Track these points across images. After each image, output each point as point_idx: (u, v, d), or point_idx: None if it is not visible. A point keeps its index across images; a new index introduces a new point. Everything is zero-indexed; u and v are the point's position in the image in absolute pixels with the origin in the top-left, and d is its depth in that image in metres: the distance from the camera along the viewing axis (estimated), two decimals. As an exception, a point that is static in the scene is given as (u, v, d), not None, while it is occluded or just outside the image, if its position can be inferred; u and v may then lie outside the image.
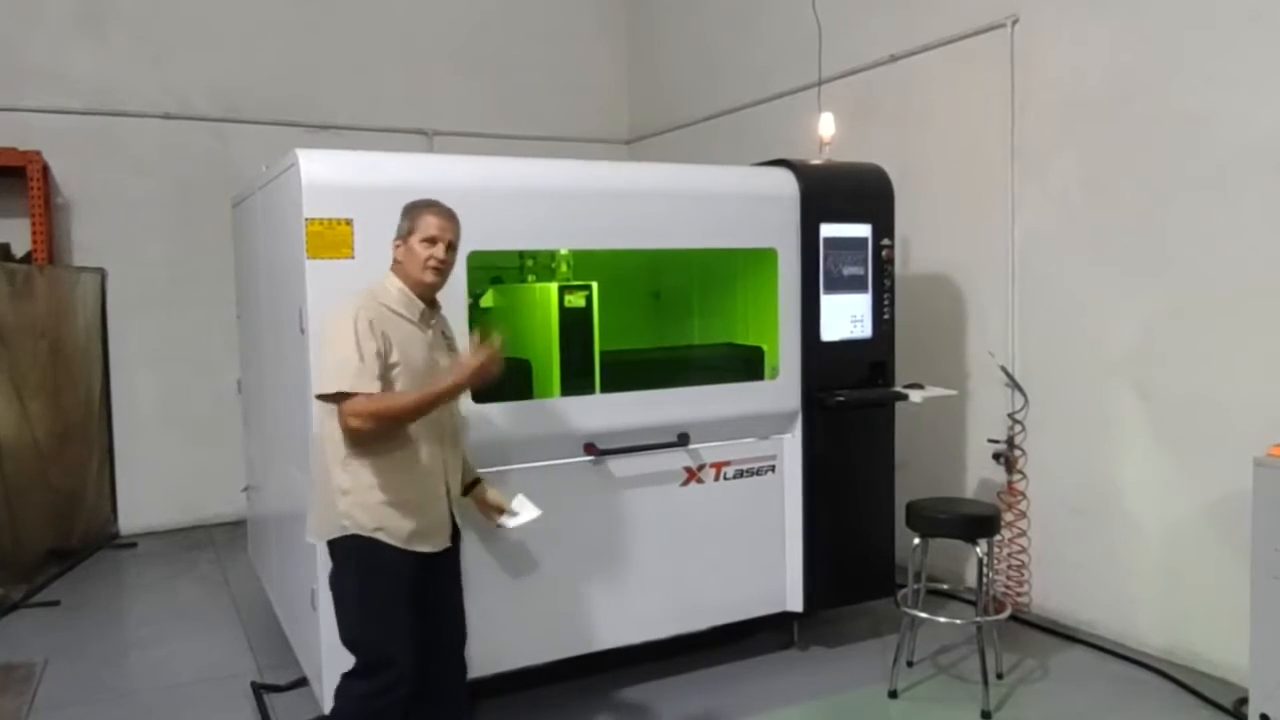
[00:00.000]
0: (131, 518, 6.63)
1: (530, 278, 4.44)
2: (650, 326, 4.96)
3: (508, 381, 3.88)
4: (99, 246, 6.52)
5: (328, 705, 3.28)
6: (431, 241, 2.88)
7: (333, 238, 3.25)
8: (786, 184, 4.19)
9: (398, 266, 2.93)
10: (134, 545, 6.35)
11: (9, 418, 5.30)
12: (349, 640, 2.89)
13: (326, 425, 2.84)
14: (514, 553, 3.66)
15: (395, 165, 3.46)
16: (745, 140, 6.64)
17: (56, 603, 5.22)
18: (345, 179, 3.32)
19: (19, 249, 6.01)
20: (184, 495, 6.77)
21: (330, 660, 3.30)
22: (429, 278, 2.90)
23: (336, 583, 2.90)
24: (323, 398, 2.78)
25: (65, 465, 5.87)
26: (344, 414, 2.74)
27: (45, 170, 6.12)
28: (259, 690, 3.99)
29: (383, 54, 7.45)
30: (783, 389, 4.19)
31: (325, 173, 3.29)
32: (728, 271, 4.57)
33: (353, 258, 3.28)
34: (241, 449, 5.50)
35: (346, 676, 2.90)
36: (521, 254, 4.43)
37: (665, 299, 5.09)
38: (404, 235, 2.91)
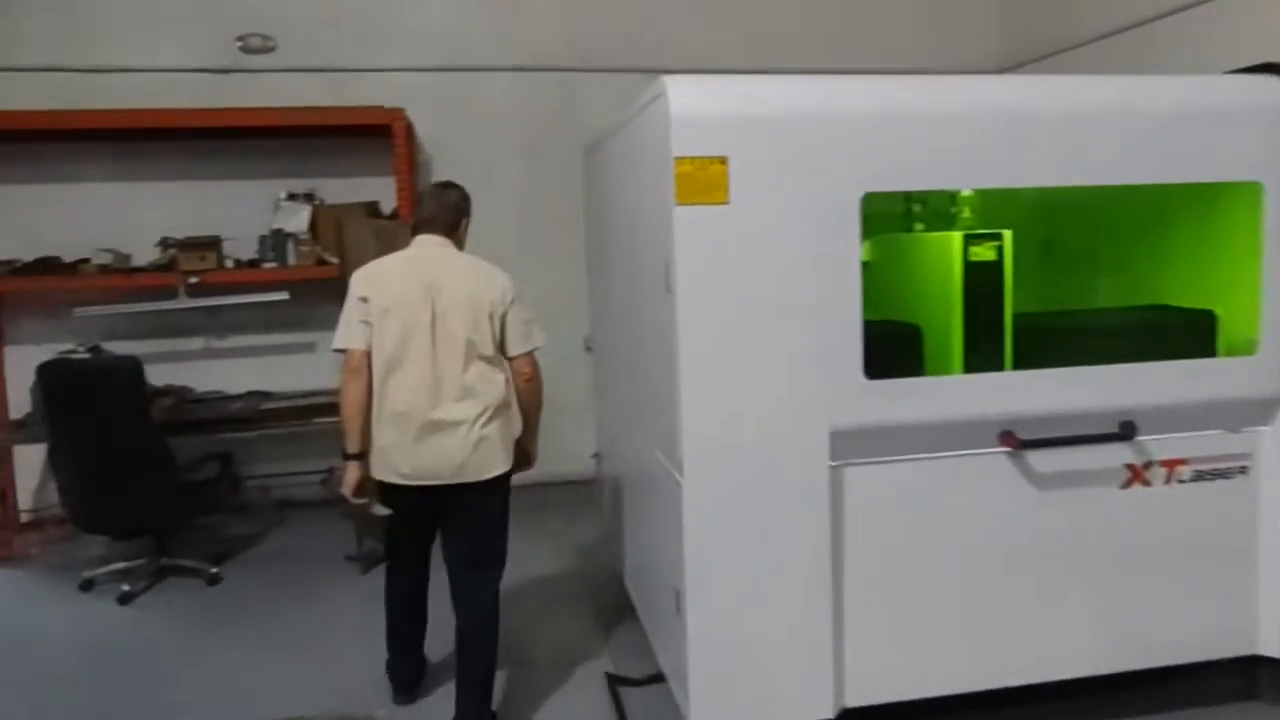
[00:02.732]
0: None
1: (918, 226, 3.72)
2: (1041, 284, 4.06)
3: (891, 351, 3.24)
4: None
5: (688, 707, 2.89)
6: None
7: (705, 180, 2.75)
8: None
9: (458, 239, 3.52)
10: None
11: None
12: (502, 553, 3.49)
13: (499, 374, 3.34)
14: (908, 563, 3.02)
15: (778, 92, 2.88)
16: (1160, 61, 5.40)
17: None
18: (720, 110, 2.80)
19: (386, 207, 6.20)
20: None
21: (698, 666, 2.89)
22: None
23: (502, 510, 3.44)
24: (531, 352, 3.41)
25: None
26: (535, 365, 3.42)
27: (409, 129, 6.25)
28: (614, 682, 3.71)
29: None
30: (1264, 367, 3.18)
31: (697, 103, 2.78)
32: (1157, 213, 3.59)
33: (727, 203, 2.77)
34: (592, 412, 5.27)
35: (496, 580, 3.47)
36: (908, 197, 3.73)
37: (1057, 250, 4.15)
38: (468, 221, 3.58)
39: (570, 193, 5.68)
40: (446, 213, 3.46)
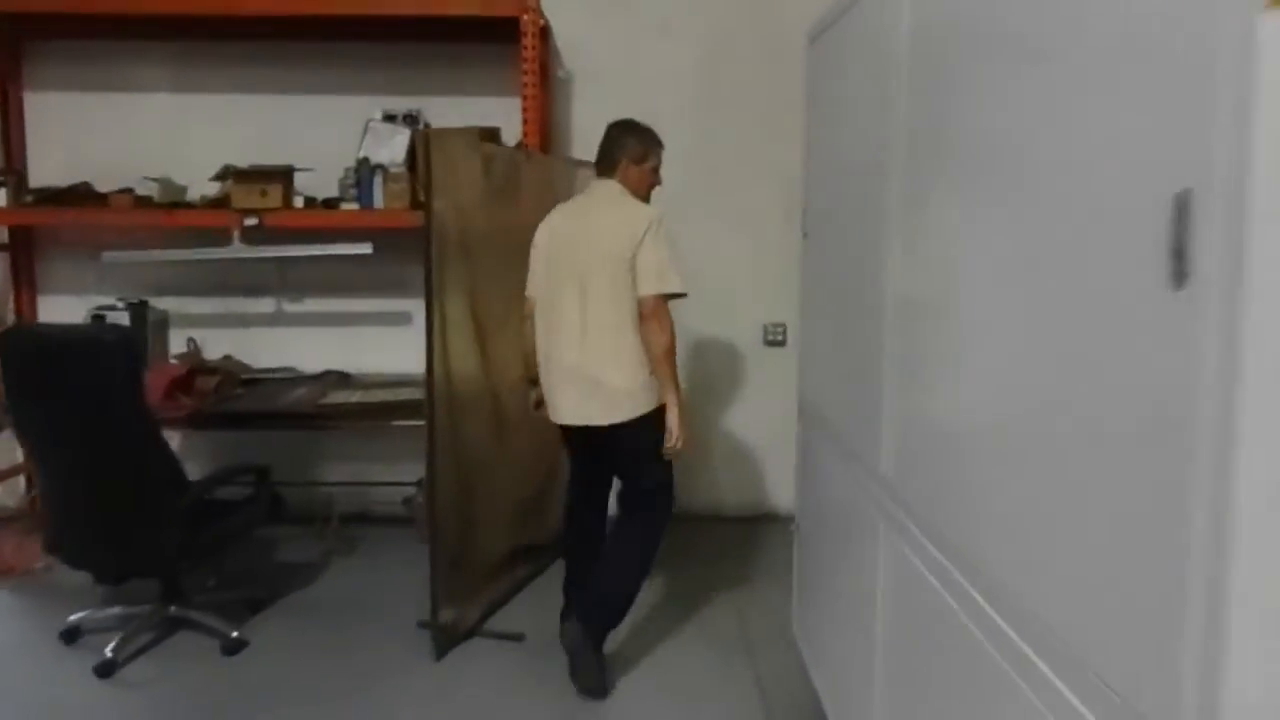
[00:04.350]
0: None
1: None
2: None
3: None
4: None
5: None
6: (657, 171, 3.39)
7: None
8: None
9: (627, 181, 3.31)
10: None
11: (467, 366, 3.82)
12: (652, 492, 3.35)
13: (626, 319, 3.18)
14: None
15: None
16: None
17: (520, 636, 3.67)
18: None
19: (512, 137, 4.53)
20: (692, 476, 5.09)
21: None
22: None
23: (648, 449, 3.26)
24: (669, 297, 3.16)
25: (535, 428, 4.22)
26: (658, 307, 3.15)
27: (544, 30, 4.56)
28: None
29: None
30: None
31: None
32: None
33: None
34: (794, 443, 3.40)
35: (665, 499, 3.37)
36: None
37: None
38: (641, 160, 3.32)
39: (766, 123, 4.49)
40: (608, 152, 3.36)
